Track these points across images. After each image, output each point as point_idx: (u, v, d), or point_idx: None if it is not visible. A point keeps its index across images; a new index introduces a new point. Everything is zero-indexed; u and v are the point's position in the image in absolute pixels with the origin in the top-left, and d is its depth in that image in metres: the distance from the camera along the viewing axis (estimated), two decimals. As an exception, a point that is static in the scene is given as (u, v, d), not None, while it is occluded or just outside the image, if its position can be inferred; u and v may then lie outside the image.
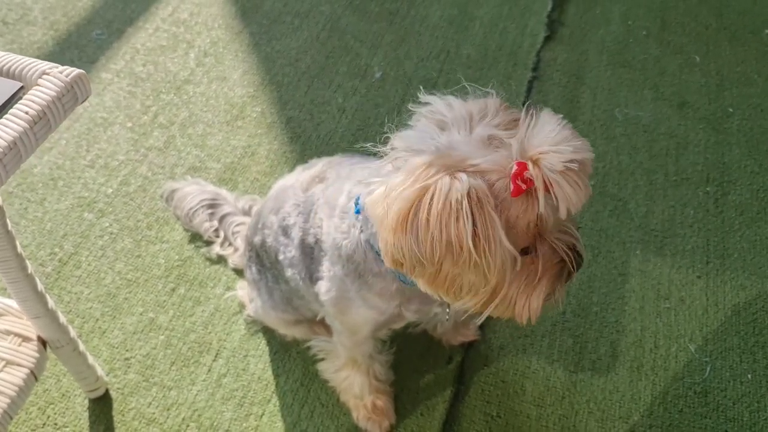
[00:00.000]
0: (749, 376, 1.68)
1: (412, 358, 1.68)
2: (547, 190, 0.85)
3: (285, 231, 1.33)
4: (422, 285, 0.96)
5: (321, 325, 1.62)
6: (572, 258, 0.97)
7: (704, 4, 2.65)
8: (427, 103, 0.99)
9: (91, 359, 1.53)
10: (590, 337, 1.75)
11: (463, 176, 0.85)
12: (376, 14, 2.60)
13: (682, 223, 1.98)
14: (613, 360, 1.71)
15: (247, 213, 1.86)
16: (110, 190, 2.02)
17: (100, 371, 1.58)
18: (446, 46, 2.48)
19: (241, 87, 2.33)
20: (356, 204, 1.13)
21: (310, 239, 1.26)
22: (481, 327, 1.75)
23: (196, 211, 1.87)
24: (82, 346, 1.47)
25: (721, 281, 1.85)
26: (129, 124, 2.20)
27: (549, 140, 0.86)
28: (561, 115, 0.90)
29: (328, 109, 2.27)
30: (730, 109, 2.28)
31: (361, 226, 1.13)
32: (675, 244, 1.93)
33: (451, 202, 0.83)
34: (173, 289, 1.81)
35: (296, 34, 2.52)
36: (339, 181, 1.24)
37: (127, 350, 1.70)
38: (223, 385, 1.65)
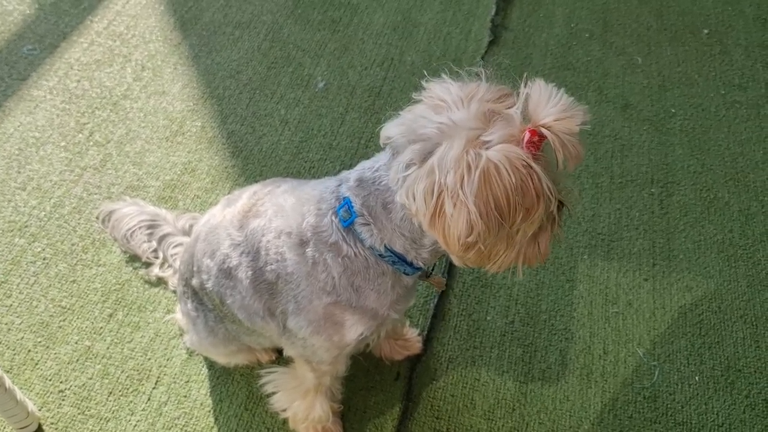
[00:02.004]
0: (697, 378, 1.68)
1: (359, 375, 1.65)
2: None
3: (228, 274, 1.26)
4: (463, 258, 1.01)
5: (265, 350, 1.58)
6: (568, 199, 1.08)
7: (645, 5, 2.68)
8: (426, 89, 1.04)
9: (20, 395, 1.46)
10: (539, 345, 1.73)
11: (508, 146, 0.92)
12: (318, 23, 2.56)
13: (628, 226, 1.98)
14: (563, 368, 1.69)
15: (187, 233, 1.80)
16: (43, 213, 1.94)
17: (31, 406, 1.50)
18: (390, 53, 2.45)
19: (180, 101, 2.27)
20: (342, 220, 1.10)
21: (269, 276, 1.20)
22: (426, 341, 1.72)
23: (134, 231, 1.80)
24: (8, 382, 1.40)
25: (668, 283, 1.85)
26: (63, 143, 2.12)
27: (559, 107, 0.94)
28: (553, 84, 0.98)
29: (270, 122, 2.22)
30: (673, 110, 2.30)
31: (354, 237, 1.10)
32: (622, 247, 1.93)
33: (518, 168, 0.91)
34: (111, 315, 1.74)
35: (237, 45, 2.46)
36: (284, 210, 1.19)
37: (61, 382, 1.63)
38: (164, 414, 1.58)
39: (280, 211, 1.20)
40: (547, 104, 0.94)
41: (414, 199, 0.97)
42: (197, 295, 1.39)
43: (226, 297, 1.28)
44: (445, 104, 0.99)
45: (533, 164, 0.92)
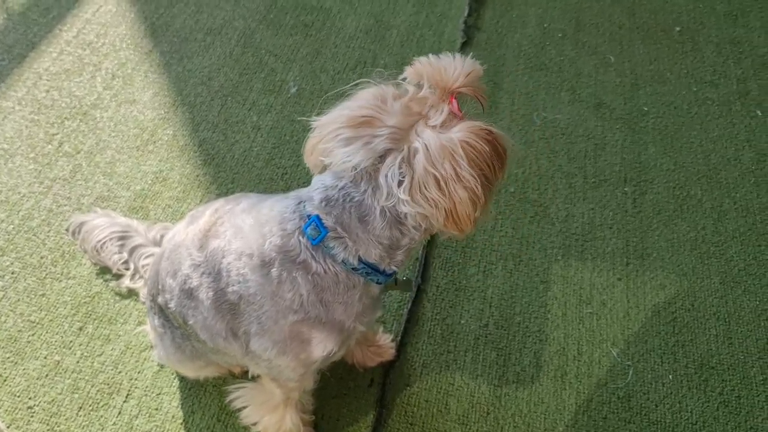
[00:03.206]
0: (670, 377, 1.68)
1: (332, 383, 1.63)
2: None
3: (189, 294, 1.25)
4: (456, 227, 1.06)
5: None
6: None
7: (617, 4, 2.68)
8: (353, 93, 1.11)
9: (-14, 413, 1.43)
10: (513, 348, 1.73)
11: (467, 123, 1.02)
12: (290, 27, 2.55)
13: (601, 225, 1.98)
14: (537, 370, 1.69)
15: (158, 243, 1.77)
16: (11, 227, 1.91)
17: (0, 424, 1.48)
18: (363, 57, 2.44)
19: (151, 109, 2.25)
20: (311, 238, 1.10)
21: (231, 297, 1.19)
22: (400, 346, 1.71)
23: (104, 243, 1.78)
24: (-27, 401, 1.38)
25: (641, 282, 1.86)
26: (32, 155, 2.09)
27: (459, 70, 1.05)
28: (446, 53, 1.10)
29: (242, 128, 2.20)
30: (645, 108, 2.30)
31: (324, 254, 1.11)
32: (595, 247, 1.93)
33: (484, 136, 1.01)
34: (81, 328, 1.72)
35: (209, 52, 2.45)
36: (243, 231, 1.18)
37: (30, 398, 1.60)
38: (135, 428, 1.57)
39: (239, 232, 1.19)
40: (448, 72, 1.05)
41: (427, 202, 1.02)
42: (163, 312, 1.38)
43: (188, 317, 1.27)
44: (366, 117, 1.04)
45: (492, 128, 1.03)
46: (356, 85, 1.11)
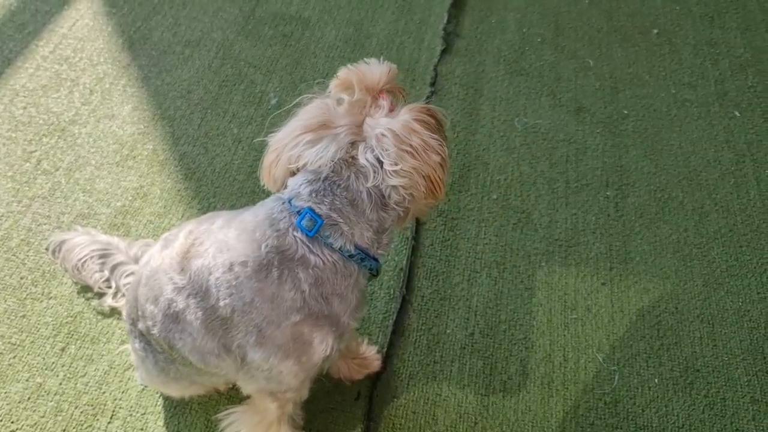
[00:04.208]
0: (656, 380, 1.69)
1: (319, 397, 1.63)
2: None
3: (175, 318, 1.23)
4: (430, 201, 1.20)
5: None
6: None
7: (595, 7, 2.70)
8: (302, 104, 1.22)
9: (-34, 439, 1.41)
10: (500, 356, 1.73)
11: (408, 106, 1.16)
12: (269, 38, 2.54)
13: (584, 230, 1.99)
14: (524, 378, 1.69)
15: (139, 260, 1.76)
16: (-10, 247, 1.89)
17: (-20, 450, 1.46)
18: (343, 65, 2.43)
19: (130, 124, 2.23)
20: (306, 230, 1.15)
21: (223, 311, 1.18)
22: (386, 358, 1.70)
23: (85, 261, 1.76)
24: (-47, 428, 1.36)
25: (625, 286, 1.86)
26: (9, 173, 2.07)
27: (380, 74, 1.19)
28: (363, 60, 1.22)
29: (223, 141, 2.19)
30: (625, 111, 2.32)
31: (321, 245, 1.16)
32: (579, 252, 1.94)
33: (425, 113, 1.16)
34: (63, 349, 1.70)
35: (187, 65, 2.43)
36: (229, 244, 1.17)
37: (12, 422, 1.58)
38: (120, 449, 1.55)
39: (223, 246, 1.19)
40: (372, 75, 1.19)
41: (407, 172, 1.13)
42: (145, 336, 1.36)
43: (175, 341, 1.25)
44: (320, 122, 1.15)
45: (428, 105, 1.17)
46: (299, 100, 1.21)
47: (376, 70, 1.20)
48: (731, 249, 1.95)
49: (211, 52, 2.48)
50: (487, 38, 2.57)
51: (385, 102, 1.19)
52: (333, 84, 1.22)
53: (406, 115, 1.15)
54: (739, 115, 2.30)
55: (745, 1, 2.69)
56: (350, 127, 1.15)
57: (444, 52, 2.50)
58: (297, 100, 1.22)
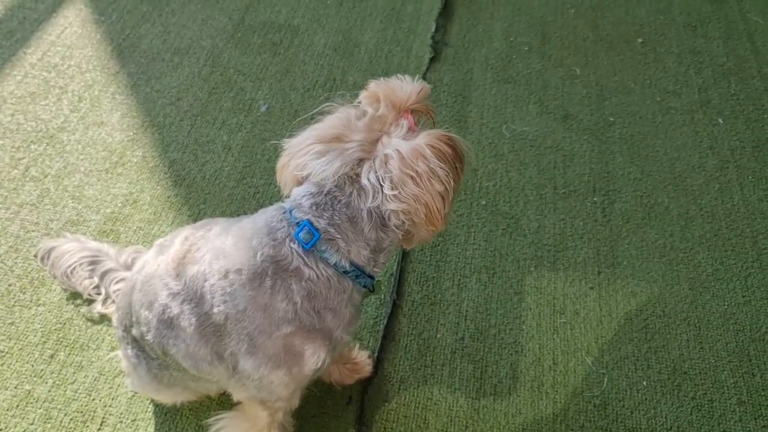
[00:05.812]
0: (644, 383, 1.71)
1: (311, 402, 1.63)
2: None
3: (169, 324, 1.24)
4: (431, 228, 1.16)
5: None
6: None
7: (581, 17, 2.73)
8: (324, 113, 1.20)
9: (-45, 447, 1.40)
10: (490, 360, 1.74)
11: (428, 131, 1.13)
12: (259, 46, 2.55)
13: (572, 236, 2.01)
14: (514, 382, 1.70)
15: (129, 267, 1.75)
16: (-22, 254, 1.88)
17: (-32, 458, 1.45)
18: (332, 74, 2.46)
19: (120, 131, 2.23)
20: (303, 242, 1.14)
21: (217, 318, 1.18)
22: (377, 362, 1.71)
23: (74, 268, 1.75)
24: (-59, 435, 1.34)
25: (613, 290, 1.88)
26: (-2, 180, 2.06)
27: (409, 91, 1.15)
28: (397, 75, 1.19)
29: (213, 148, 2.19)
30: (611, 118, 2.35)
31: (316, 258, 1.15)
32: (567, 257, 1.96)
33: (445, 141, 1.12)
34: (52, 356, 1.69)
35: (177, 72, 2.44)
36: (225, 251, 1.18)
37: (1, 429, 1.57)
38: (111, 456, 1.54)
39: (220, 253, 1.19)
40: (401, 92, 1.16)
41: (408, 198, 1.11)
42: (138, 342, 1.36)
43: (169, 347, 1.25)
44: (334, 134, 1.13)
45: (451, 134, 1.13)
46: (322, 108, 1.19)
47: (406, 87, 1.17)
48: (716, 253, 1.97)
49: (201, 60, 2.48)
50: (474, 47, 2.60)
51: (406, 121, 1.15)
52: (362, 95, 1.19)
53: (422, 139, 1.11)
54: (722, 122, 2.34)
55: (727, 10, 2.74)
56: (362, 143, 1.12)
57: (432, 60, 2.52)
58: (321, 107, 1.19)
